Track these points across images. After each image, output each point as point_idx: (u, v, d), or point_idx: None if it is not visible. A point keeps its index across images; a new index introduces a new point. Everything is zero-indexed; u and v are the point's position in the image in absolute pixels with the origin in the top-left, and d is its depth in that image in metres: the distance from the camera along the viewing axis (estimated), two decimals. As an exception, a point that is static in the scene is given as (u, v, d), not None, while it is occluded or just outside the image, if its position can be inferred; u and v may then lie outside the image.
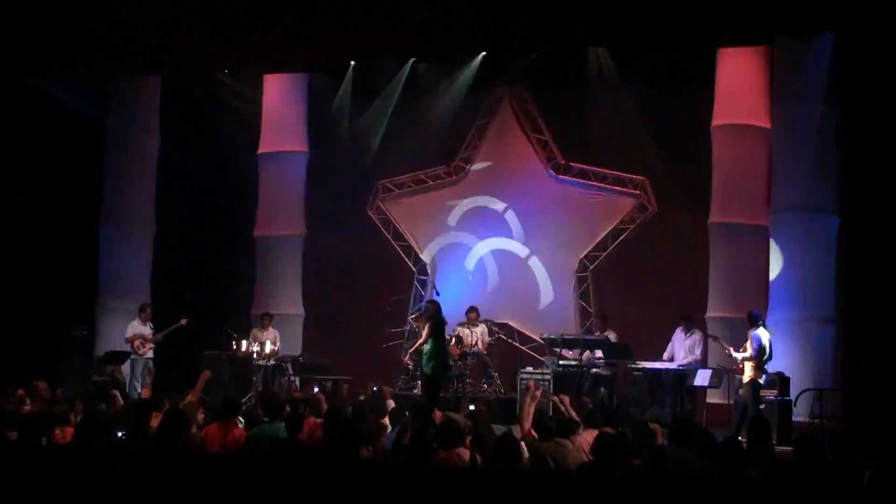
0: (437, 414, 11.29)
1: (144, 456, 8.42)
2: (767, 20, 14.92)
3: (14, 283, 19.36)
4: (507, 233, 21.32)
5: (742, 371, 15.48)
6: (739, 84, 18.64)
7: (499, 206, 21.40)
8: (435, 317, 15.86)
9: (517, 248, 21.31)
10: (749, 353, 15.38)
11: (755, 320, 15.66)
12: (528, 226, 21.17)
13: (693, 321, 17.35)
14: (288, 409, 11.43)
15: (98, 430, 9.41)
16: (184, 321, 18.75)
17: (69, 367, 18.95)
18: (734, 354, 15.60)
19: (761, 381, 15.37)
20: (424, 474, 7.85)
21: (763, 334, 15.45)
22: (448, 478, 7.86)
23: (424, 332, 15.83)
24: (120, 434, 10.38)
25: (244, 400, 17.38)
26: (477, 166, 21.61)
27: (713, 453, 8.60)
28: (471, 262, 21.59)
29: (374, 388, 15.28)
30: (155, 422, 9.92)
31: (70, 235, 19.94)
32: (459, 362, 18.23)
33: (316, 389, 17.11)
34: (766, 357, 15.37)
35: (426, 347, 15.70)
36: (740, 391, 15.58)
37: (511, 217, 21.29)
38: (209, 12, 13.67)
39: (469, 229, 21.60)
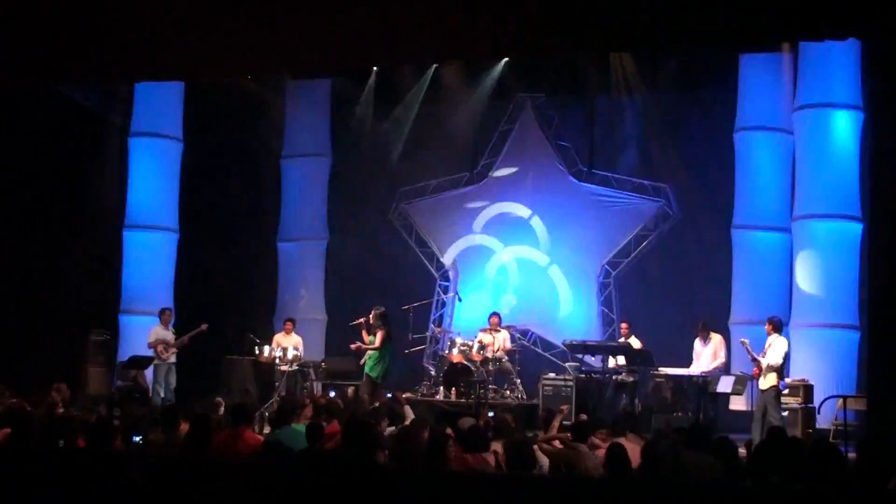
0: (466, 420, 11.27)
1: (166, 462, 8.42)
2: (791, 25, 14.85)
3: (37, 287, 19.41)
4: (532, 239, 21.29)
5: (759, 377, 15.41)
6: (762, 89, 18.59)
7: (524, 212, 21.37)
8: (388, 325, 16.99)
9: (538, 256, 21.29)
10: (777, 360, 15.32)
11: (780, 326, 15.60)
12: (553, 232, 21.15)
13: (710, 327, 17.12)
14: (308, 415, 11.46)
15: (114, 435, 9.44)
16: (204, 326, 18.76)
17: (91, 371, 19.00)
18: (762, 360, 15.49)
19: (781, 387, 15.37)
20: (443, 479, 7.84)
21: (785, 341, 15.43)
22: (469, 483, 7.85)
23: (378, 339, 16.74)
24: (137, 439, 10.40)
25: (265, 406, 17.42)
26: (501, 172, 21.61)
27: (730, 458, 8.60)
28: (493, 268, 21.58)
29: (388, 395, 15.26)
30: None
31: (93, 240, 19.98)
32: (481, 368, 18.21)
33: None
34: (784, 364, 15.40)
35: (374, 352, 16.76)
36: (758, 398, 15.52)
37: (537, 223, 21.26)
38: (231, 18, 13.67)
39: (493, 234, 21.60)
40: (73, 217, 19.65)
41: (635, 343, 17.67)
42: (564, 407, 11.23)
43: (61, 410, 12.76)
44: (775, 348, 15.30)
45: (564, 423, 12.39)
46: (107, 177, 20.31)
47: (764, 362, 15.32)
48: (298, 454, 9.62)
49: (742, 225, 18.69)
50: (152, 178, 20.57)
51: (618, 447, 8.86)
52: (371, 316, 17.12)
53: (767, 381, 15.27)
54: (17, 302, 19.10)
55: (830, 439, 14.44)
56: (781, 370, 15.26)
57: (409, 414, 12.73)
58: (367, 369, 16.94)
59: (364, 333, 17.31)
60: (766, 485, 7.85)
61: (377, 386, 16.85)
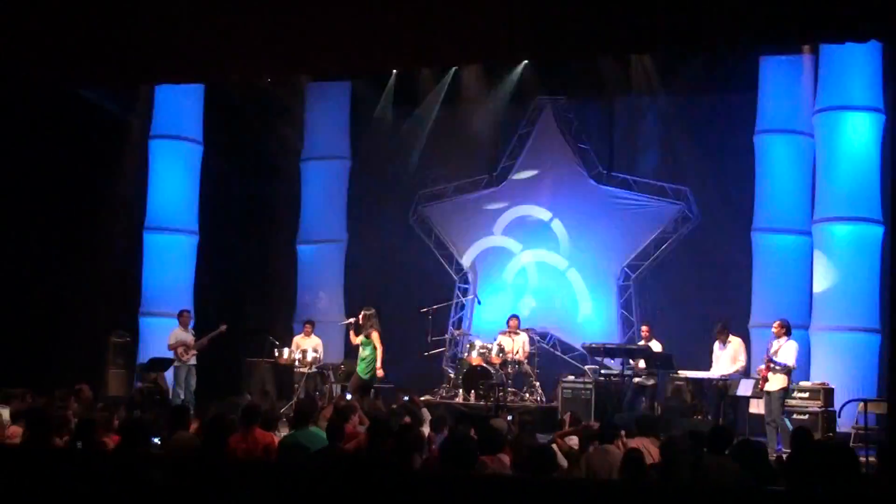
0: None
1: (186, 463, 8.43)
2: (811, 28, 14.80)
3: (58, 289, 19.48)
4: (552, 242, 21.26)
5: (766, 378, 15.42)
6: (783, 91, 18.52)
7: (544, 214, 21.35)
8: (380, 326, 16.94)
9: (557, 259, 21.27)
10: (791, 361, 15.34)
11: (790, 329, 15.66)
12: (573, 235, 21.12)
13: (729, 330, 17.04)
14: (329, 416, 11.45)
15: (140, 437, 9.46)
16: (223, 327, 18.80)
17: (112, 373, 19.06)
18: (778, 363, 15.48)
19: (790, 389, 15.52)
20: (466, 481, 7.83)
21: (795, 343, 15.48)
22: (489, 486, 7.83)
23: (377, 341, 16.72)
24: (156, 440, 10.43)
25: (285, 408, 17.44)
26: (522, 175, 21.59)
27: (759, 462, 8.58)
28: (512, 270, 21.58)
29: (406, 398, 15.29)
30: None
31: (114, 243, 20.03)
32: (500, 370, 18.21)
33: (348, 397, 17.13)
34: None
35: (368, 354, 16.74)
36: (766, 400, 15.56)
37: (557, 226, 21.24)
38: (251, 19, 13.69)
39: (513, 236, 21.59)
40: (94, 219, 19.69)
41: (655, 346, 17.62)
42: (567, 416, 11.21)
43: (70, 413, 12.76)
44: (787, 350, 15.32)
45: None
46: (127, 179, 20.36)
47: (780, 364, 15.33)
48: (317, 453, 9.64)
49: (762, 228, 18.62)
50: (172, 181, 20.60)
51: (635, 452, 8.84)
52: (361, 317, 17.15)
53: (776, 383, 15.30)
54: (38, 304, 19.16)
55: (851, 443, 14.41)
56: (790, 373, 15.31)
57: (427, 416, 12.73)
58: (359, 371, 16.95)
59: (352, 334, 17.45)
60: (806, 491, 7.79)
61: (369, 388, 17.07)
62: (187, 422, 10.76)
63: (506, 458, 9.34)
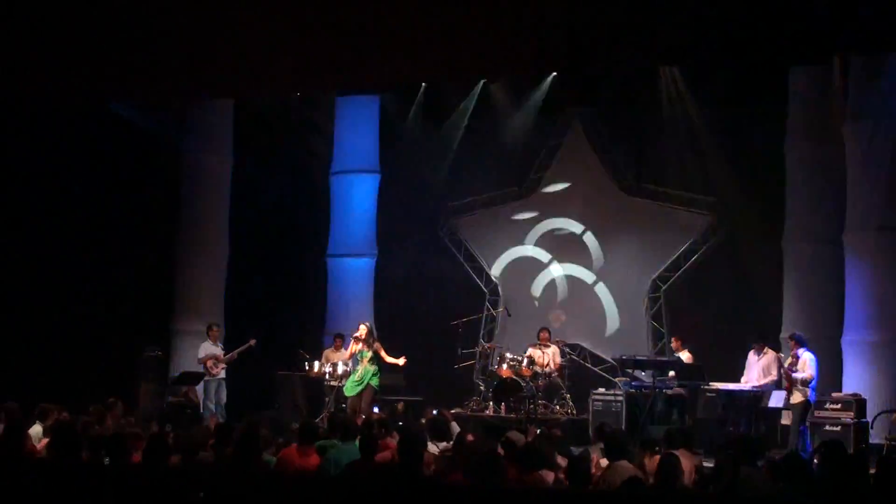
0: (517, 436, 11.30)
1: (222, 478, 8.47)
2: (840, 38, 14.81)
3: (91, 304, 19.61)
4: (584, 254, 21.25)
5: (790, 391, 15.52)
6: (813, 101, 18.45)
7: (576, 227, 21.36)
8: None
9: (585, 273, 21.27)
10: (810, 374, 15.39)
11: (803, 341, 15.70)
12: (603, 246, 21.11)
13: (765, 341, 17.07)
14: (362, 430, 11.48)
15: (168, 451, 9.51)
16: (252, 342, 18.89)
17: (144, 388, 19.15)
18: (795, 375, 15.52)
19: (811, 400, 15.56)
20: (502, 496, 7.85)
21: (812, 355, 15.54)
22: (527, 499, 7.85)
23: (383, 352, 17.78)
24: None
25: (316, 420, 17.50)
26: (552, 188, 21.59)
27: (801, 476, 8.58)
28: (542, 283, 21.58)
29: (435, 412, 15.34)
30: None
31: (146, 257, 20.15)
32: (531, 383, 18.22)
33: (376, 410, 17.21)
34: None
35: (374, 366, 17.69)
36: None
37: (590, 239, 21.24)
38: (280, 36, 13.80)
39: (545, 249, 21.59)
40: (127, 234, 19.82)
41: (686, 358, 17.60)
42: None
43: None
44: (807, 363, 15.37)
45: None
46: (159, 193, 20.49)
47: (798, 377, 15.37)
48: (349, 467, 9.66)
49: (794, 238, 18.55)
50: (204, 194, 20.72)
51: (671, 457, 8.86)
52: (366, 332, 17.71)
53: (799, 396, 15.35)
54: (71, 319, 19.29)
55: (884, 454, 14.35)
56: (809, 385, 15.37)
57: (455, 430, 12.74)
58: (371, 382, 17.73)
59: (353, 347, 18.09)
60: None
61: (376, 395, 17.92)
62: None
63: (549, 476, 9.36)
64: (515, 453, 9.79)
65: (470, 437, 11.53)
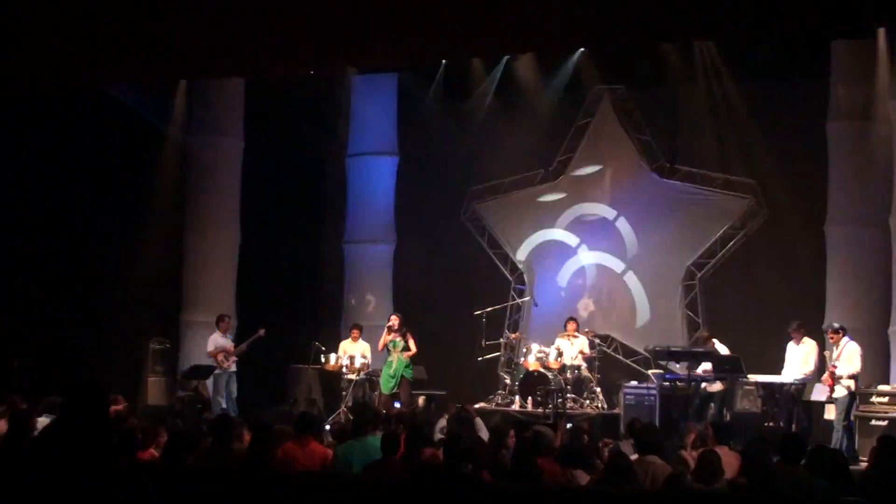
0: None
1: (234, 475, 8.50)
2: (885, 9, 14.72)
3: (95, 294, 19.69)
4: (616, 241, 21.19)
5: (832, 386, 15.49)
6: (856, 78, 18.34)
7: (609, 213, 21.31)
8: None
9: (615, 262, 21.23)
10: (856, 366, 15.36)
11: (844, 331, 15.68)
12: (637, 233, 21.05)
13: (804, 330, 17.01)
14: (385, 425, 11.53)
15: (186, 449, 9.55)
16: (261, 332, 18.93)
17: (152, 381, 19.23)
18: (839, 371, 15.48)
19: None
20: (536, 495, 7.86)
21: (857, 345, 15.53)
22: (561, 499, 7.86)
23: (412, 343, 18.17)
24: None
25: (333, 416, 17.56)
26: (581, 171, 21.53)
27: (829, 471, 8.56)
28: (570, 269, 21.53)
29: (458, 406, 15.37)
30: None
31: (153, 245, 20.20)
32: (559, 376, 18.22)
33: (397, 405, 17.24)
34: None
35: (406, 357, 18.21)
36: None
37: (623, 225, 21.20)
38: (292, 11, 13.79)
39: (575, 234, 21.58)
40: (133, 221, 19.88)
41: (720, 349, 17.54)
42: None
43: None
44: (850, 355, 15.32)
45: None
46: (166, 178, 20.53)
47: (846, 371, 15.32)
48: (370, 466, 9.68)
49: (836, 221, 18.46)
50: (213, 178, 20.76)
51: (711, 454, 8.85)
52: (398, 321, 18.04)
53: (843, 389, 15.31)
54: (74, 310, 19.38)
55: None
56: (855, 377, 15.34)
57: (480, 426, 12.77)
58: (405, 374, 18.22)
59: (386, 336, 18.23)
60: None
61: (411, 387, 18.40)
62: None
63: (583, 477, 9.38)
64: (552, 449, 9.82)
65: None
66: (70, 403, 6.81)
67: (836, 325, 16.01)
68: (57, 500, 6.38)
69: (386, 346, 18.22)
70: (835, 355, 15.64)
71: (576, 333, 18.92)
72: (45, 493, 6.89)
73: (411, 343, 18.12)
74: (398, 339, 17.89)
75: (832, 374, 15.49)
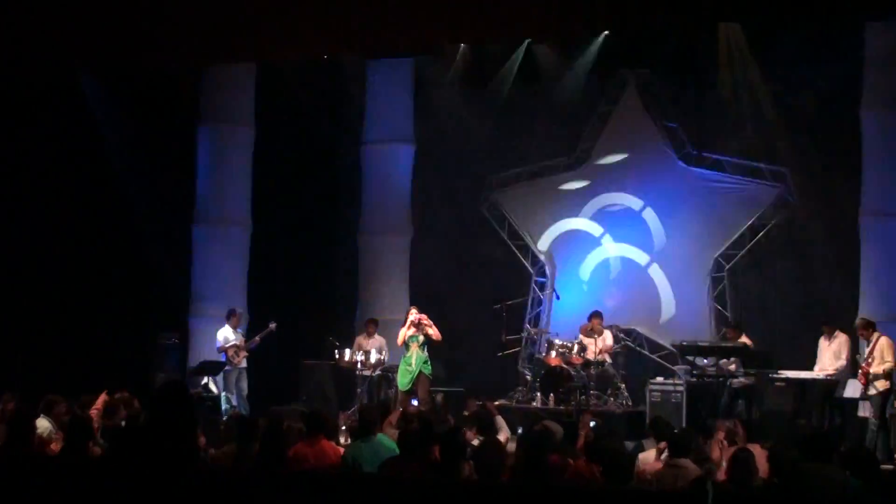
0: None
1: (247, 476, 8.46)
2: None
3: (100, 288, 19.70)
4: (641, 232, 21.13)
5: (867, 381, 15.43)
6: (891, 61, 18.22)
7: (635, 203, 21.23)
8: None
9: (638, 254, 21.15)
10: (890, 362, 15.28)
11: (873, 324, 15.62)
12: (665, 224, 20.95)
13: (835, 324, 16.92)
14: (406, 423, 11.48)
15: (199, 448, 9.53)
16: (272, 325, 18.91)
17: (160, 378, 19.22)
18: (873, 370, 15.41)
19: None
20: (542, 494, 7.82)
21: (890, 339, 15.46)
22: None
23: (433, 331, 18.00)
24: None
25: (348, 413, 17.51)
26: (606, 160, 21.46)
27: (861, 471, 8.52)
28: (594, 260, 21.45)
29: (479, 404, 15.33)
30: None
31: (160, 237, 20.21)
32: (582, 372, 18.16)
33: (414, 403, 17.19)
34: None
35: (424, 353, 17.90)
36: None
37: (650, 215, 21.10)
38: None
39: (600, 223, 21.51)
40: (139, 212, 19.88)
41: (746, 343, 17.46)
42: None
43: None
44: (885, 349, 15.24)
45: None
46: (174, 168, 20.52)
47: (875, 368, 15.26)
48: (385, 464, 9.63)
49: (872, 211, 18.35)
50: (223, 168, 20.74)
51: (745, 452, 8.80)
52: (419, 315, 17.92)
53: (877, 386, 15.24)
54: (79, 304, 19.39)
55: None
56: (890, 373, 15.25)
57: (502, 424, 12.74)
58: (424, 370, 17.87)
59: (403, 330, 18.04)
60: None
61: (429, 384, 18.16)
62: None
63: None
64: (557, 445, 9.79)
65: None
66: (158, 402, 7.00)
67: (866, 319, 15.93)
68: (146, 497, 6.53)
69: (405, 341, 18.06)
70: (866, 352, 15.57)
71: (601, 328, 18.82)
72: (135, 489, 7.02)
73: (431, 331, 17.91)
74: (418, 333, 17.79)
75: (865, 374, 15.42)
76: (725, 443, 11.56)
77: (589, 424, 12.97)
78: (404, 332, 17.94)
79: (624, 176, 21.31)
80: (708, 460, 10.45)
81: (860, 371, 15.61)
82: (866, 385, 15.44)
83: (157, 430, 7.35)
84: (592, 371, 18.33)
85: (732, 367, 17.23)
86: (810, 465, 8.97)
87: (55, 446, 11.10)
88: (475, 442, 11.48)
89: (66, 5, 14.61)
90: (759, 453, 9.82)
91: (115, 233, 19.74)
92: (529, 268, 21.90)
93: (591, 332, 18.68)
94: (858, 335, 15.88)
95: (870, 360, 15.46)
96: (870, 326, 15.70)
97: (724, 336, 18.23)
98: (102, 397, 13.29)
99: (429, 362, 17.90)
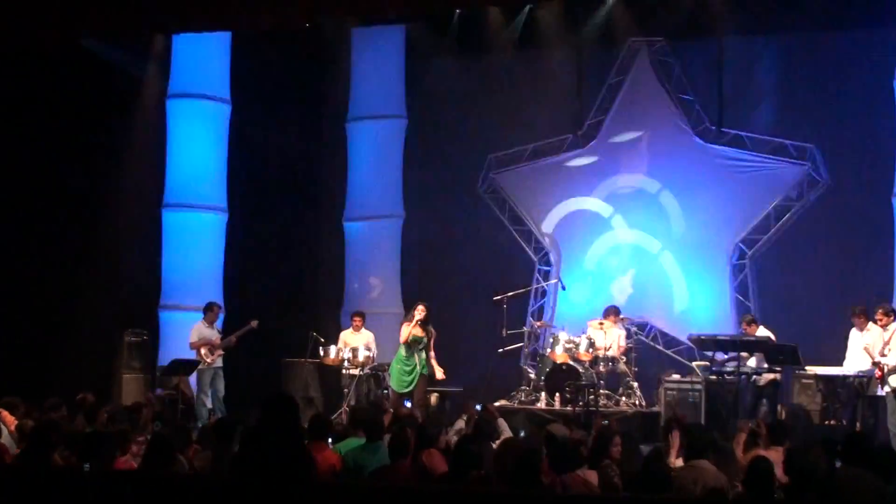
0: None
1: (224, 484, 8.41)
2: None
3: (60, 281, 19.61)
4: (658, 217, 21.11)
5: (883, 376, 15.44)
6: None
7: (650, 185, 21.19)
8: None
9: (650, 241, 21.11)
10: None
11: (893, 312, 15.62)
12: (684, 206, 20.88)
13: (867, 316, 16.87)
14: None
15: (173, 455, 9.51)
16: (253, 323, 18.83)
17: (127, 378, 19.18)
18: (886, 360, 15.39)
19: None
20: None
21: None
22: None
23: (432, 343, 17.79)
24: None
25: (334, 416, 17.47)
26: (616, 138, 21.41)
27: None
28: (604, 245, 21.40)
29: (477, 407, 15.26)
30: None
31: (127, 224, 20.13)
32: (591, 369, 18.11)
33: (407, 404, 17.15)
34: None
35: (424, 354, 17.61)
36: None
37: (667, 199, 21.05)
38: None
39: (611, 203, 21.49)
40: (103, 196, 19.81)
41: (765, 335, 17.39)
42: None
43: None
44: None
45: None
46: (141, 147, 20.44)
47: (891, 361, 15.24)
48: (376, 472, 9.61)
49: (905, 193, 18.40)
50: (195, 148, 20.64)
51: (762, 461, 8.74)
52: (425, 314, 17.63)
53: (891, 383, 15.25)
54: (36, 299, 19.31)
55: None
56: None
57: (504, 428, 12.69)
58: (423, 370, 17.61)
59: (411, 327, 17.69)
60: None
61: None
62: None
63: (591, 475, 9.29)
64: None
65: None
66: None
67: (889, 306, 15.89)
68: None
69: (408, 340, 17.80)
70: (881, 342, 15.54)
71: (613, 322, 18.74)
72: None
73: (431, 344, 17.75)
74: (423, 335, 17.55)
75: (881, 368, 15.38)
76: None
77: (602, 425, 12.94)
78: (409, 331, 17.69)
79: (638, 155, 21.27)
80: (732, 464, 10.39)
81: (876, 366, 15.56)
82: (882, 380, 15.40)
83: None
84: (602, 368, 18.29)
85: (753, 362, 17.17)
86: (843, 469, 8.94)
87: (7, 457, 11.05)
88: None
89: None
90: (780, 458, 9.79)
91: (77, 219, 19.65)
92: (532, 255, 21.88)
93: (600, 326, 18.59)
94: (876, 321, 15.78)
95: (885, 351, 15.40)
96: (891, 313, 15.63)
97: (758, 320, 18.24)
98: None
99: (423, 361, 17.77)
